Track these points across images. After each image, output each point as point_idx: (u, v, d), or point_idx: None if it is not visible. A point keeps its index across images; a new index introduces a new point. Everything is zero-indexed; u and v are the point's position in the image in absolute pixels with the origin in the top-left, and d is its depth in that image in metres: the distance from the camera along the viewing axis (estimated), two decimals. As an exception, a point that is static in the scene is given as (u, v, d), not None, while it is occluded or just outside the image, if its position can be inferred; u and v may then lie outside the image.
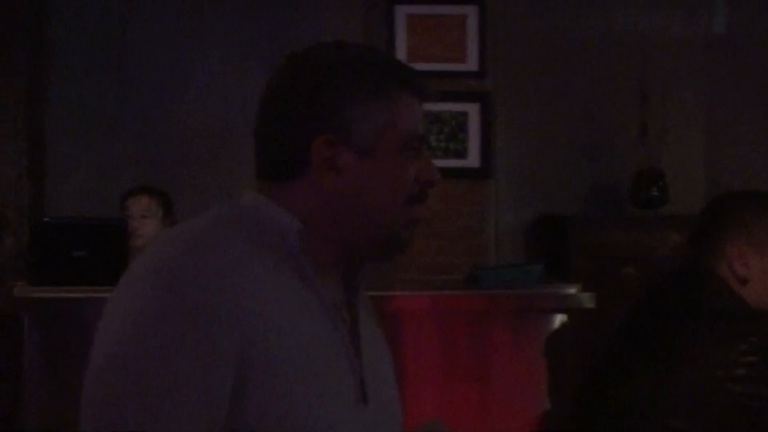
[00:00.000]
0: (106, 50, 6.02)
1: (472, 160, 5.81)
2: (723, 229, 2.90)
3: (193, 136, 6.04)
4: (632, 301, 3.14)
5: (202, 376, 1.57)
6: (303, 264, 1.73)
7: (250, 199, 1.79)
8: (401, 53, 5.76)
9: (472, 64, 5.81)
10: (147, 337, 1.57)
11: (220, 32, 6.01)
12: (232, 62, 5.97)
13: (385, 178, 1.77)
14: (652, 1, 6.21)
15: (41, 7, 6.02)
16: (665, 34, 6.20)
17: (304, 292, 1.72)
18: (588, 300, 4.21)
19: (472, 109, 5.82)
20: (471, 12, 5.80)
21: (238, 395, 1.59)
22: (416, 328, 4.21)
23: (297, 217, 1.75)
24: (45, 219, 4.77)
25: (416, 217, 1.81)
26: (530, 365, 4.23)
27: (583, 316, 4.32)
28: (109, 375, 1.59)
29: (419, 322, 4.22)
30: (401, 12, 5.79)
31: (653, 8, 6.20)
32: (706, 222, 2.98)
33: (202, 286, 1.59)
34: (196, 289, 1.59)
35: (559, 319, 4.23)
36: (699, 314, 2.80)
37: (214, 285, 1.60)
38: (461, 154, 5.81)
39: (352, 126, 1.76)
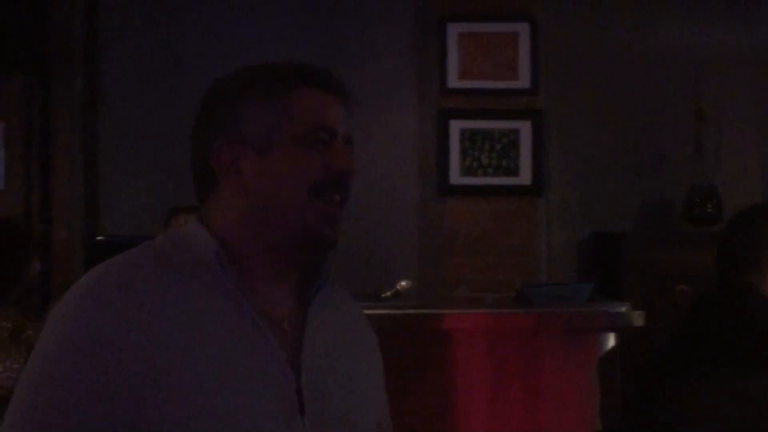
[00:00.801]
0: (159, 69, 6.06)
1: (524, 177, 5.79)
2: (758, 246, 2.83)
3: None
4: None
5: (90, 398, 1.66)
6: (223, 282, 1.77)
7: (183, 226, 1.89)
8: (453, 71, 5.77)
9: (524, 81, 5.80)
10: (50, 364, 1.70)
11: (270, 50, 6.02)
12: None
13: (283, 171, 1.81)
14: (706, 15, 6.16)
15: (94, 27, 6.07)
16: (719, 49, 6.14)
17: (228, 310, 1.77)
18: (638, 318, 4.19)
19: (524, 127, 5.80)
20: (522, 29, 5.79)
21: (140, 414, 1.66)
22: (466, 346, 4.20)
23: (222, 232, 1.83)
24: (99, 238, 4.80)
25: (329, 211, 1.82)
26: (581, 384, 4.22)
27: (635, 335, 4.29)
28: (21, 391, 1.72)
29: (469, 341, 4.21)
30: (453, 30, 5.79)
31: (707, 23, 6.15)
32: (738, 239, 2.91)
33: (97, 319, 1.69)
34: (91, 322, 1.69)
35: (610, 337, 4.21)
36: (739, 334, 2.77)
37: (108, 317, 1.69)
38: (513, 171, 5.79)
39: (245, 127, 1.83)
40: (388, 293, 4.46)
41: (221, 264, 1.78)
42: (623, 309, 4.27)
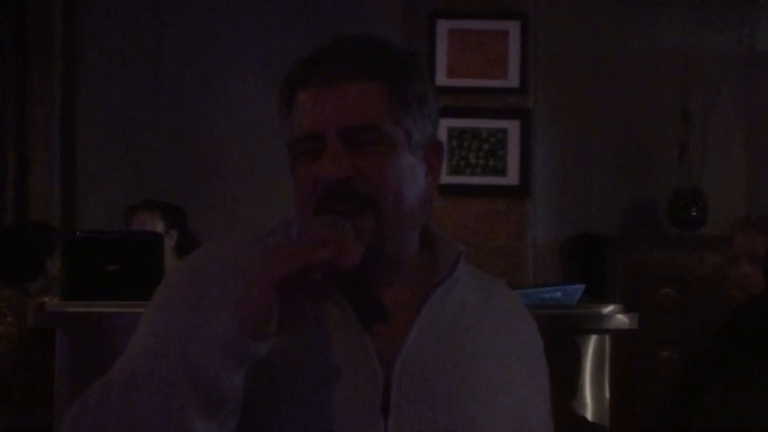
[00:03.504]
0: (139, 63, 5.99)
1: (511, 177, 5.72)
2: None
3: (224, 149, 6.00)
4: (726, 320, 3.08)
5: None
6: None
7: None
8: (441, 68, 5.69)
9: (513, 80, 5.72)
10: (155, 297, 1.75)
11: (253, 44, 5.96)
12: (264, 74, 5.89)
13: (294, 190, 1.69)
14: (695, 18, 6.15)
15: (73, 17, 5.99)
16: (707, 52, 6.14)
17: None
18: (631, 321, 4.13)
19: (512, 126, 5.73)
20: (513, 28, 5.72)
21: None
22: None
23: None
24: (77, 232, 4.71)
25: None
26: (567, 387, 4.17)
27: (621, 337, 4.24)
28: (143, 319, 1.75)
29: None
30: (442, 26, 5.71)
31: (695, 26, 6.13)
32: None
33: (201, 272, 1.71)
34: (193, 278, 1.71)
35: (596, 340, 4.16)
36: None
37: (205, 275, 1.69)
38: (500, 171, 5.72)
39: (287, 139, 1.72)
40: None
41: None
42: (613, 311, 4.22)
